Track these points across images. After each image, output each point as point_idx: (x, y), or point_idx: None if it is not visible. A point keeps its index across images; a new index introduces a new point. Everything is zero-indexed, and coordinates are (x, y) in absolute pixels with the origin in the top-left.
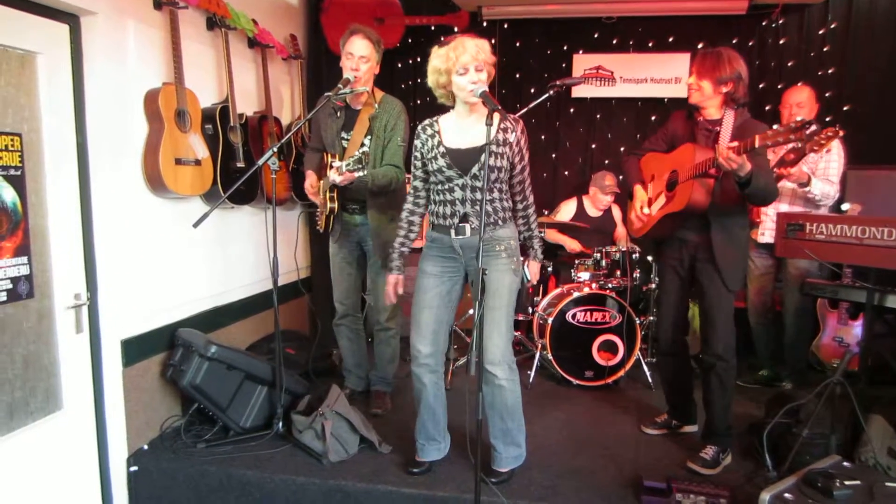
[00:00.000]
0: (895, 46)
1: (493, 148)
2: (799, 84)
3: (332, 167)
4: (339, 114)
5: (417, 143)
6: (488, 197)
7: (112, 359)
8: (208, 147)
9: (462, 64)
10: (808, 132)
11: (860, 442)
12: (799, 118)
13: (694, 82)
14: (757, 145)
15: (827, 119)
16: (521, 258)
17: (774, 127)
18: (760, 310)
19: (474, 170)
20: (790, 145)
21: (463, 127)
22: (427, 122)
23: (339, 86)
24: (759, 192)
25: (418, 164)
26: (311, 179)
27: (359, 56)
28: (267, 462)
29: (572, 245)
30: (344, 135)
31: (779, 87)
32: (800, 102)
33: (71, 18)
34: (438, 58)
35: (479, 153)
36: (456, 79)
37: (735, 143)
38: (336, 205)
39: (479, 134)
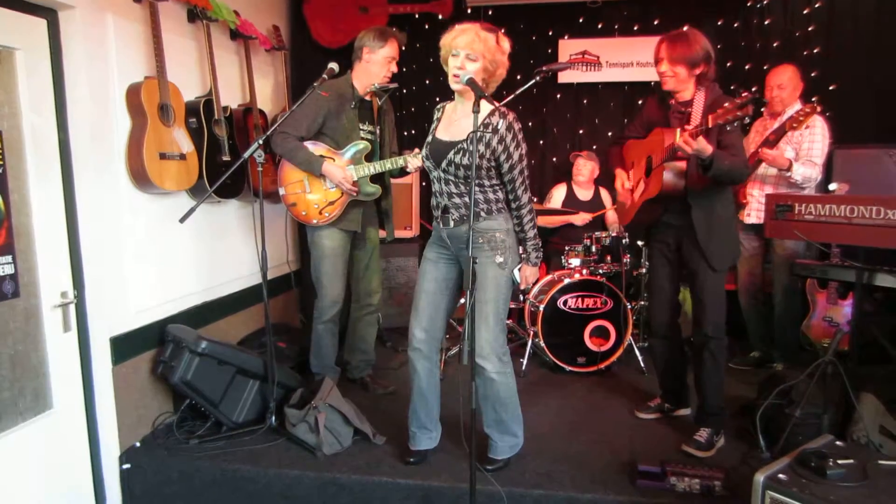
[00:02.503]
0: (879, 25)
1: (467, 145)
2: (781, 65)
3: (414, 154)
4: (354, 105)
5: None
6: (465, 190)
7: (101, 357)
8: (193, 141)
9: (454, 46)
10: (752, 106)
11: (852, 420)
12: (745, 94)
13: (668, 69)
14: (710, 125)
15: (813, 99)
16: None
17: (725, 105)
18: (751, 290)
19: (443, 164)
20: (738, 120)
21: (454, 117)
22: (439, 105)
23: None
24: (721, 174)
25: None
26: (341, 171)
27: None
28: (260, 456)
29: (583, 217)
30: (362, 126)
31: (764, 67)
32: (780, 84)
33: (48, 13)
34: (445, 34)
35: (452, 148)
36: (450, 59)
37: (690, 127)
38: (379, 190)
39: (464, 127)
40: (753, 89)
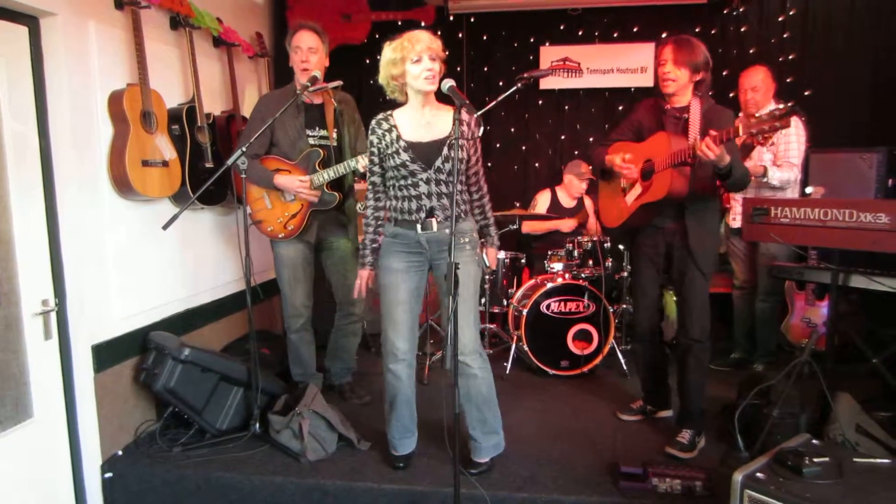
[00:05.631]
0: (851, 30)
1: (455, 141)
2: (753, 66)
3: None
4: (299, 111)
5: (374, 138)
6: (450, 190)
7: (83, 365)
8: (176, 148)
9: (417, 52)
10: (790, 119)
11: (829, 419)
12: (782, 105)
13: (672, 70)
14: (742, 133)
15: (789, 104)
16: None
17: (759, 115)
18: (749, 288)
19: (438, 163)
20: (774, 132)
21: (421, 120)
22: (381, 116)
23: (307, 83)
24: (737, 181)
25: (375, 159)
26: (296, 179)
27: (307, 48)
28: (244, 463)
29: (568, 224)
30: (311, 132)
31: (740, 73)
32: (755, 86)
33: (30, 20)
34: (391, 49)
35: (442, 146)
36: (410, 67)
37: (714, 133)
38: (337, 197)
39: (439, 127)
40: (731, 95)
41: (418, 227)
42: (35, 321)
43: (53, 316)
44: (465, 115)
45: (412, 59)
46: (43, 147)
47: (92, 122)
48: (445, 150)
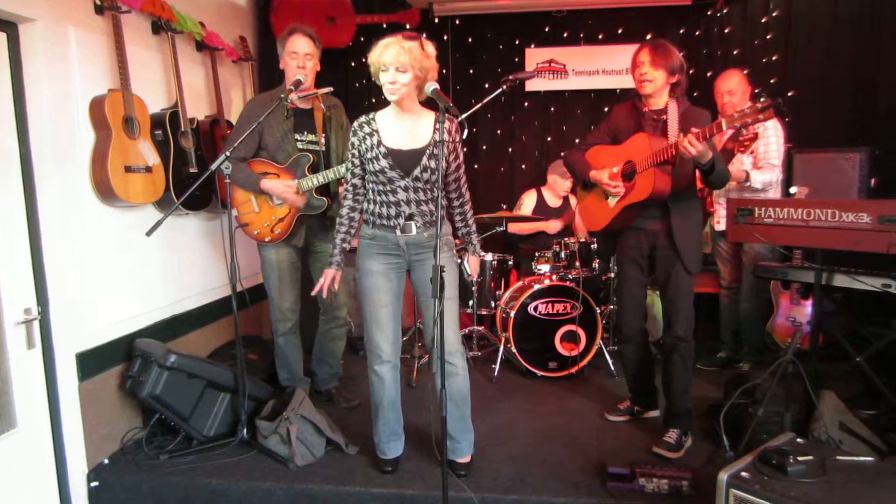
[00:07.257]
0: (834, 31)
1: (434, 150)
2: (728, 70)
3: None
4: (287, 115)
5: (354, 140)
6: (430, 196)
7: (67, 373)
8: (159, 153)
9: (382, 62)
10: (772, 111)
11: (813, 418)
12: (763, 98)
13: (649, 72)
14: (725, 127)
15: (770, 99)
16: (459, 253)
17: (741, 109)
18: (734, 288)
19: (416, 171)
20: (756, 123)
21: (401, 126)
22: (363, 119)
23: (291, 87)
24: (720, 176)
25: (356, 161)
26: (282, 184)
27: (303, 53)
28: (232, 470)
29: (555, 226)
30: (299, 136)
31: (717, 78)
32: (731, 89)
33: (8, 26)
34: (371, 53)
35: (421, 155)
36: (380, 74)
37: (697, 130)
38: (325, 202)
39: (421, 134)
40: None
41: (398, 230)
42: (18, 330)
43: (36, 324)
44: (447, 124)
45: (381, 69)
46: (23, 154)
47: (73, 128)
48: (425, 160)
